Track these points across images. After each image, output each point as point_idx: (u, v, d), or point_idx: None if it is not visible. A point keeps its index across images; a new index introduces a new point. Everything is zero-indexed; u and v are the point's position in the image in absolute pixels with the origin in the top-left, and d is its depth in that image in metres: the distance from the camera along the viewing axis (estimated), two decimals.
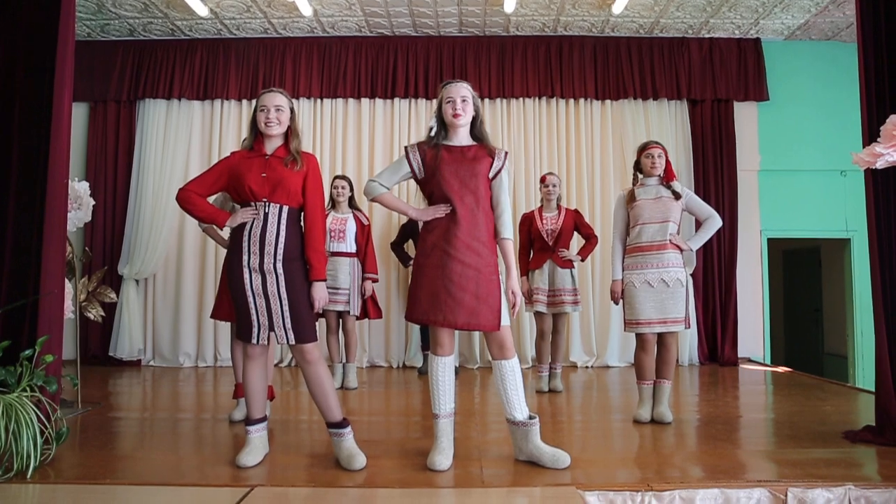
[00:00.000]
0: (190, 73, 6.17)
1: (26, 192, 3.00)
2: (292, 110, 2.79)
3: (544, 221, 4.55)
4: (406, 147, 2.79)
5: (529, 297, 4.50)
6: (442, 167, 2.67)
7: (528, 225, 4.64)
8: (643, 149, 3.66)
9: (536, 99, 6.24)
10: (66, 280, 3.54)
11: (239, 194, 2.75)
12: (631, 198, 3.61)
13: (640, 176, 3.67)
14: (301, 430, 3.46)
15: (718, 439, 3.17)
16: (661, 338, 3.54)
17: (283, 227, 2.67)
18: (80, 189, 3.93)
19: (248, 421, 2.77)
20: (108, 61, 6.13)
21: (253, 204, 2.70)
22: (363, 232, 4.79)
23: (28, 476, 2.50)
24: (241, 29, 6.12)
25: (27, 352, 2.75)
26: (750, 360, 6.11)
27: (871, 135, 3.13)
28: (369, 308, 4.82)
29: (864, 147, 3.05)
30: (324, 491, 2.42)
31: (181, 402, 4.42)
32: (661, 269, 3.47)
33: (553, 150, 6.21)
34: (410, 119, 6.24)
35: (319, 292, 2.70)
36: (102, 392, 4.59)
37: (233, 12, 5.77)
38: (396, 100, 6.22)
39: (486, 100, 6.22)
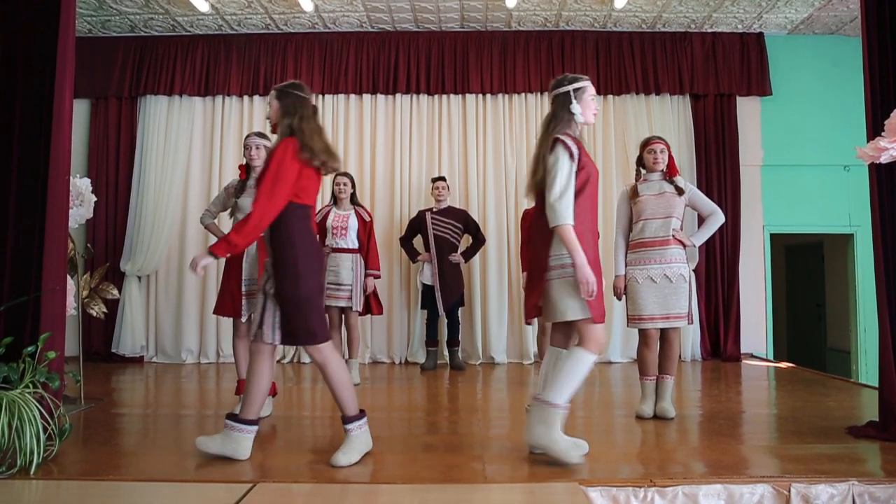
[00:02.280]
0: (191, 70, 6.16)
1: (28, 188, 3.00)
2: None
3: None
4: (559, 138, 2.65)
5: None
6: (593, 169, 2.71)
7: (529, 221, 4.63)
8: (646, 144, 3.65)
9: (538, 94, 6.21)
10: (68, 277, 3.54)
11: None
12: (634, 193, 3.60)
13: (643, 171, 3.66)
14: (303, 426, 3.47)
15: (721, 435, 3.17)
16: (664, 333, 3.54)
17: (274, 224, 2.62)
18: (81, 185, 3.93)
19: (237, 417, 2.68)
20: (109, 58, 6.13)
21: None
22: (365, 228, 4.78)
23: (31, 472, 2.50)
24: (242, 25, 6.10)
25: (30, 348, 2.75)
26: (752, 356, 6.10)
27: (875, 129, 3.11)
28: (371, 304, 4.83)
29: (868, 141, 3.03)
30: (326, 487, 2.42)
31: (183, 399, 4.43)
32: (664, 264, 3.46)
33: None
34: (412, 114, 6.23)
35: (200, 258, 2.58)
36: (105, 388, 4.60)
37: (234, 8, 5.76)
38: (398, 95, 6.21)
39: (488, 95, 6.21)
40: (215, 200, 3.94)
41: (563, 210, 2.57)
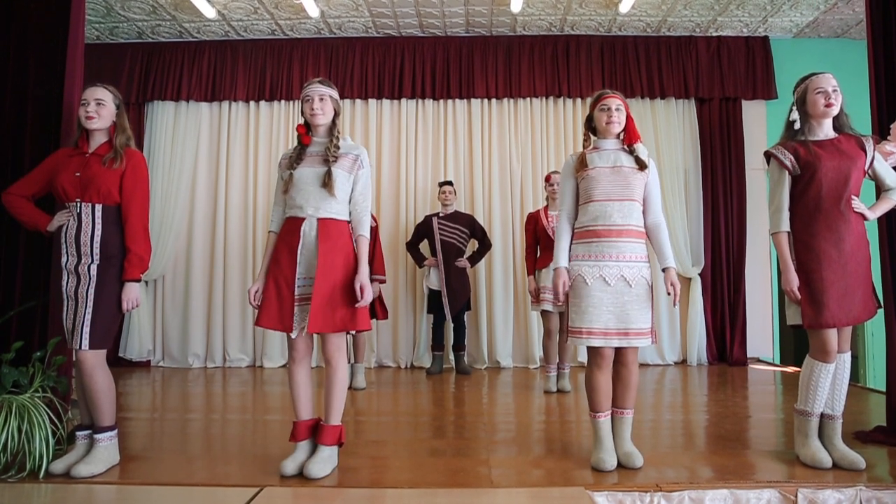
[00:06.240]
0: (198, 75, 6.20)
1: None
2: (119, 106, 2.77)
3: (549, 220, 4.54)
4: (769, 151, 2.73)
5: (537, 296, 4.50)
6: (824, 164, 2.60)
7: (533, 224, 4.64)
8: (597, 100, 2.74)
9: (543, 98, 6.23)
10: None
11: (55, 194, 2.72)
12: (581, 165, 2.72)
13: (594, 138, 2.80)
14: None
15: (728, 439, 3.16)
16: (620, 354, 2.68)
17: (98, 227, 2.63)
18: None
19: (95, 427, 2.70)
20: (116, 64, 6.16)
21: (67, 205, 2.68)
22: (371, 233, 4.78)
23: (40, 476, 2.52)
24: (249, 30, 6.14)
25: (39, 353, 2.78)
26: (759, 360, 6.08)
27: (881, 132, 3.12)
28: (377, 309, 4.83)
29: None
30: (332, 491, 2.43)
31: (190, 403, 4.44)
32: (621, 262, 2.62)
33: (560, 150, 6.19)
34: (417, 119, 6.24)
35: (129, 293, 2.65)
36: None
37: (240, 14, 5.80)
38: (403, 100, 6.22)
39: (494, 100, 6.22)
40: (277, 196, 2.83)
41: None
